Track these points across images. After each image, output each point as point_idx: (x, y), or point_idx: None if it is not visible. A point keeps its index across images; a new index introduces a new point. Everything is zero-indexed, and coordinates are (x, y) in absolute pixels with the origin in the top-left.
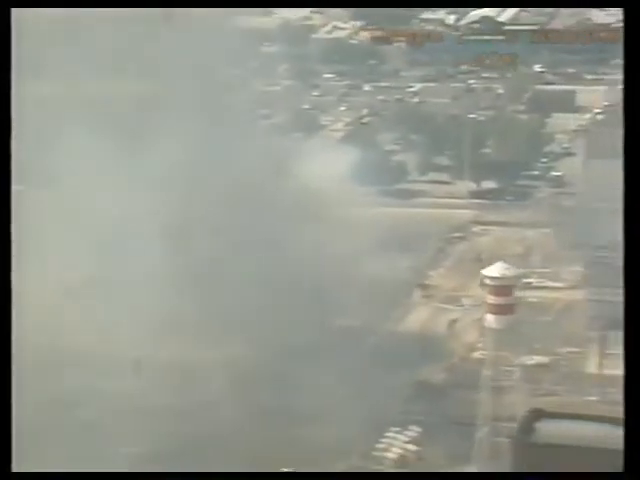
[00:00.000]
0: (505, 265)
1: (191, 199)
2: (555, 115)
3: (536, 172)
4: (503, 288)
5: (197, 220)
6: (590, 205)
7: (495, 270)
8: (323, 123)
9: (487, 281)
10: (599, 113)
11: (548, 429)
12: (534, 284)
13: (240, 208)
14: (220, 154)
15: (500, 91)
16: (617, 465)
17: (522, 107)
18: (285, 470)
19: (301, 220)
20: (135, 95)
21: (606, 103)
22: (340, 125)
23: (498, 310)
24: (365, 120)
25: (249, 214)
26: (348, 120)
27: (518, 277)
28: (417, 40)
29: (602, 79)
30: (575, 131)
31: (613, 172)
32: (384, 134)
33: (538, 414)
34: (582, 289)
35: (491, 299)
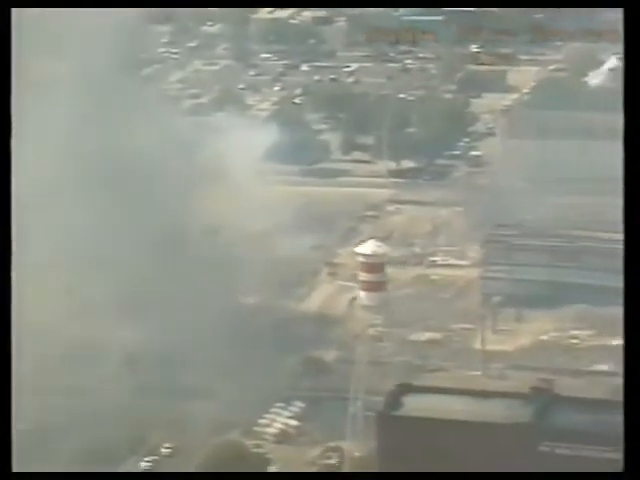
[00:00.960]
0: (377, 243)
1: (95, 172)
2: (485, 95)
3: (457, 152)
4: (374, 265)
5: (100, 195)
6: (503, 185)
7: (367, 248)
8: (251, 102)
9: (359, 258)
10: (526, 94)
11: (415, 403)
12: (439, 262)
13: (146, 184)
14: (131, 132)
15: (434, 71)
16: (480, 438)
17: (453, 87)
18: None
19: (211, 198)
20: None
21: (533, 84)
22: (267, 104)
23: (369, 287)
24: (297, 100)
25: (152, 191)
26: (275, 99)
27: (389, 255)
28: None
29: (536, 60)
30: (501, 111)
31: (530, 152)
32: (313, 114)
33: (405, 388)
34: (482, 267)
35: (363, 276)
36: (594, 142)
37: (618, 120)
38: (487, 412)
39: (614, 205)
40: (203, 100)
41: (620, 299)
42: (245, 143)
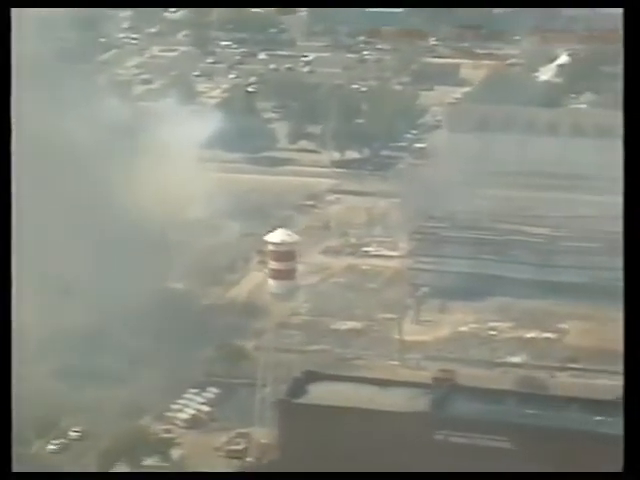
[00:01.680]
0: (286, 231)
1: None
2: (437, 88)
3: (403, 143)
4: (283, 254)
5: (34, 181)
6: (443, 177)
7: (276, 236)
8: (202, 89)
9: (269, 247)
10: (477, 87)
11: (319, 391)
12: (371, 252)
13: (83, 166)
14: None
15: (390, 63)
16: (380, 426)
17: (407, 79)
18: None
19: (149, 183)
20: None
21: (483, 77)
22: (218, 92)
23: (278, 275)
24: (251, 88)
25: (88, 173)
26: (227, 87)
27: (298, 243)
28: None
29: (492, 54)
30: (450, 104)
31: (472, 145)
32: (265, 102)
33: (311, 376)
34: (410, 258)
35: (272, 264)
36: (534, 137)
37: (559, 115)
38: (389, 401)
39: (546, 200)
40: (154, 86)
41: (540, 292)
42: (189, 130)
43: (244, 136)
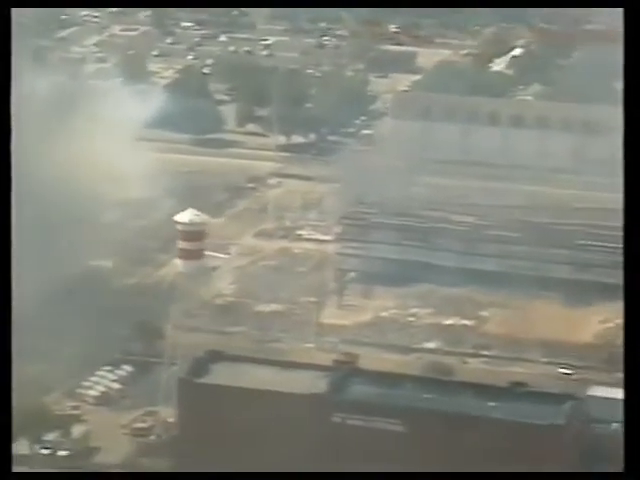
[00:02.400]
0: (195, 212)
1: None
2: (391, 75)
3: (351, 129)
4: (192, 234)
5: None
6: (384, 163)
7: (184, 216)
8: (154, 70)
9: (178, 227)
10: (427, 76)
11: (222, 371)
12: (304, 236)
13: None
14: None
15: (347, 49)
16: (279, 407)
17: (363, 66)
18: None
19: (86, 163)
20: None
21: (434, 66)
22: (170, 72)
23: (186, 255)
24: (206, 70)
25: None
26: (179, 68)
27: (207, 224)
28: None
29: (449, 43)
30: (396, 92)
31: (416, 133)
32: (218, 84)
33: (215, 356)
34: (338, 243)
35: (181, 244)
36: (476, 126)
37: (503, 106)
38: (290, 383)
39: (481, 189)
40: (106, 65)
41: (463, 280)
42: (133, 109)
43: (192, 117)
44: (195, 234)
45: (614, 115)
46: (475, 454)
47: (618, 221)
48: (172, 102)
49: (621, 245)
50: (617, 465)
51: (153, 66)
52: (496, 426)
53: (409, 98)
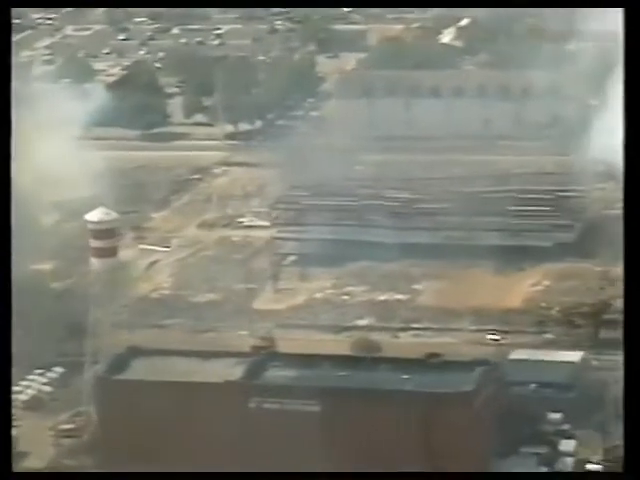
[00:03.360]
0: (105, 210)
1: None
2: (342, 55)
3: (299, 112)
4: (103, 232)
5: None
6: (328, 145)
7: (94, 215)
8: (102, 68)
9: (89, 226)
10: (374, 53)
11: (141, 366)
12: (245, 223)
13: None
14: None
15: (300, 32)
16: (197, 398)
17: (314, 47)
18: None
19: (26, 164)
20: None
21: (381, 43)
22: (117, 69)
23: (99, 253)
24: (158, 64)
25: None
26: (127, 64)
27: (117, 221)
28: None
29: (402, 18)
30: (340, 71)
31: (361, 111)
32: (168, 77)
33: (134, 352)
34: (275, 227)
35: (93, 243)
36: (419, 100)
37: (444, 78)
38: (208, 372)
39: (424, 162)
40: (53, 67)
41: (398, 255)
42: (77, 109)
43: (139, 113)
44: (106, 232)
45: (551, 79)
46: (389, 428)
47: (549, 184)
48: (119, 99)
49: (550, 207)
50: (531, 424)
51: (102, 64)
52: (408, 398)
53: (351, 77)
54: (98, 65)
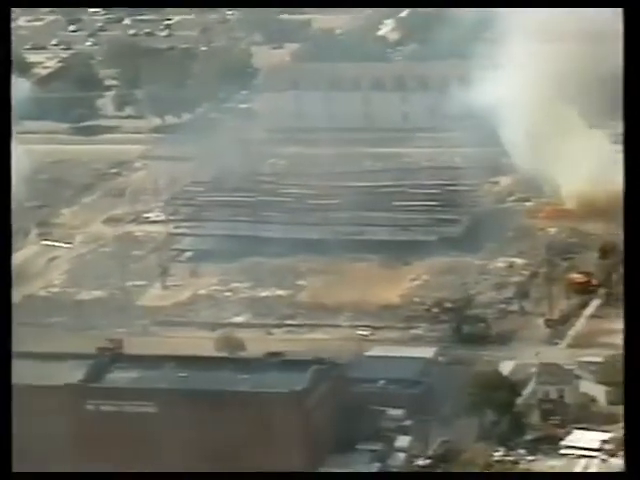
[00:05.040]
0: None
1: None
2: (286, 45)
3: (231, 105)
4: None
5: None
6: (254, 137)
7: None
8: (38, 60)
9: None
10: (306, 45)
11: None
12: (152, 219)
13: None
14: None
15: (248, 22)
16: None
17: (260, 38)
18: None
19: None
20: None
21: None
22: (54, 62)
23: None
24: (100, 55)
25: None
26: (65, 56)
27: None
28: None
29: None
30: (273, 63)
31: (287, 104)
32: (108, 69)
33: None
34: (171, 223)
35: None
36: (340, 93)
37: (365, 70)
38: (54, 374)
39: (338, 155)
40: None
41: (287, 250)
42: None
43: (70, 106)
44: None
45: (472, 69)
46: (224, 428)
47: (439, 179)
48: (51, 92)
49: (438, 202)
50: (372, 421)
51: (40, 57)
52: (243, 399)
53: (276, 69)
54: (36, 57)
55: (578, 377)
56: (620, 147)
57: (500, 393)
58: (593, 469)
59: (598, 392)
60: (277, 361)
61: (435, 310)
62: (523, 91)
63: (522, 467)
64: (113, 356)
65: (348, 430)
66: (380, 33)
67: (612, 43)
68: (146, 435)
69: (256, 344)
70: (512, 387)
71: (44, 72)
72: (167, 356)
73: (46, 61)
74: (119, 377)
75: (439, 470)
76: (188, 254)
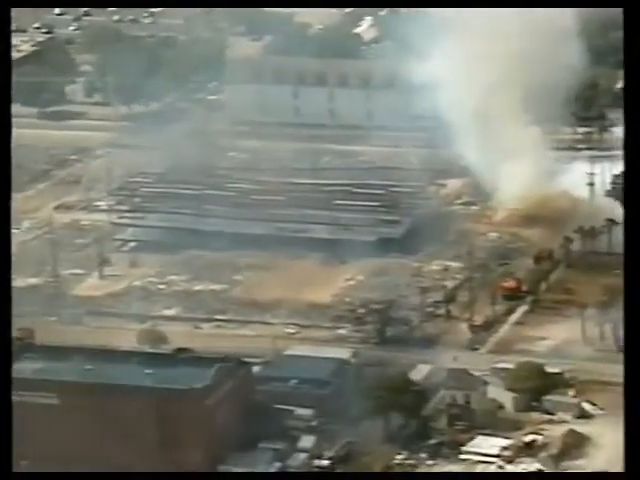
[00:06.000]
0: None
1: None
2: (265, 37)
3: (200, 96)
4: None
5: None
6: (214, 129)
7: None
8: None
9: None
10: (273, 39)
11: None
12: (101, 207)
13: None
14: None
15: (231, 13)
16: None
17: (243, 29)
18: None
19: None
20: None
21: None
22: (28, 45)
23: None
24: (79, 40)
25: None
26: (41, 40)
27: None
28: None
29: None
30: (241, 56)
31: (251, 97)
32: (81, 55)
33: None
34: (114, 213)
35: None
36: (305, 88)
37: (327, 66)
38: None
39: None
40: None
41: (228, 244)
42: None
43: (40, 90)
44: None
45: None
46: (125, 424)
47: (383, 179)
48: (21, 75)
49: (380, 202)
50: (279, 420)
51: (15, 40)
52: (145, 394)
53: (245, 62)
54: (13, 40)
55: (486, 383)
56: (562, 153)
57: (407, 396)
58: None
59: (506, 399)
60: (186, 357)
61: (361, 311)
62: (472, 93)
63: (421, 471)
64: (23, 346)
65: (253, 429)
66: (358, 30)
67: (561, 44)
68: (47, 426)
69: (182, 338)
70: (419, 391)
71: (17, 55)
72: (76, 347)
73: (21, 44)
74: (25, 367)
75: (338, 471)
76: (130, 245)
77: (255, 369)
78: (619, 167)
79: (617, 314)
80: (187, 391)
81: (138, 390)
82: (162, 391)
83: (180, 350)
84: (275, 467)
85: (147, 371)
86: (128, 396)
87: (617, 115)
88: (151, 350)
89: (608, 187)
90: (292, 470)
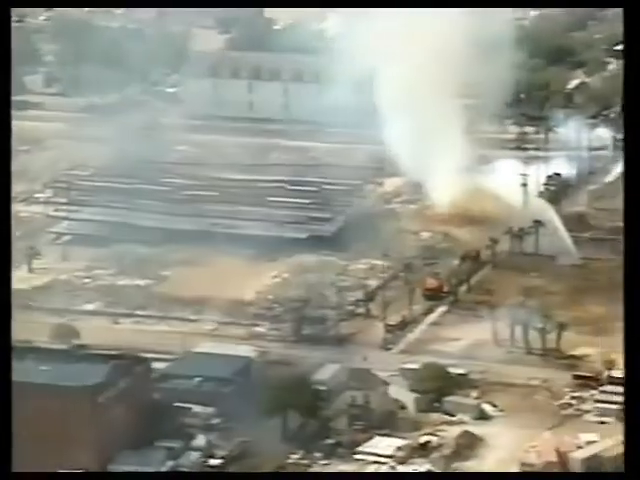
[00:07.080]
0: None
1: None
2: (233, 31)
3: (159, 88)
4: None
5: None
6: (165, 123)
7: None
8: None
9: None
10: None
11: None
12: (40, 199)
13: None
14: None
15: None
16: None
17: (212, 23)
18: None
19: None
20: None
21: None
22: None
23: None
24: (47, 30)
25: None
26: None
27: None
28: None
29: None
30: (199, 50)
31: (207, 91)
32: (45, 45)
33: None
34: (49, 205)
35: None
36: (260, 82)
37: (286, 61)
38: None
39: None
40: None
41: (159, 239)
42: None
43: None
44: None
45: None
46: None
47: (318, 176)
48: None
49: (312, 200)
50: (177, 418)
51: None
52: (37, 391)
53: (203, 55)
54: None
55: (386, 383)
56: (497, 153)
57: (306, 396)
58: None
59: (409, 399)
60: (84, 354)
61: (279, 309)
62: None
63: (315, 470)
64: None
65: (149, 427)
66: (323, 25)
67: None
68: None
69: (97, 333)
70: (319, 391)
71: None
72: None
73: None
74: None
75: (231, 470)
76: (64, 238)
77: (160, 366)
78: (553, 168)
79: (528, 315)
80: (78, 388)
81: (30, 387)
82: (53, 388)
83: (79, 347)
84: (167, 466)
85: (43, 368)
86: (19, 393)
87: (563, 115)
88: (49, 346)
89: (541, 188)
90: (184, 469)
